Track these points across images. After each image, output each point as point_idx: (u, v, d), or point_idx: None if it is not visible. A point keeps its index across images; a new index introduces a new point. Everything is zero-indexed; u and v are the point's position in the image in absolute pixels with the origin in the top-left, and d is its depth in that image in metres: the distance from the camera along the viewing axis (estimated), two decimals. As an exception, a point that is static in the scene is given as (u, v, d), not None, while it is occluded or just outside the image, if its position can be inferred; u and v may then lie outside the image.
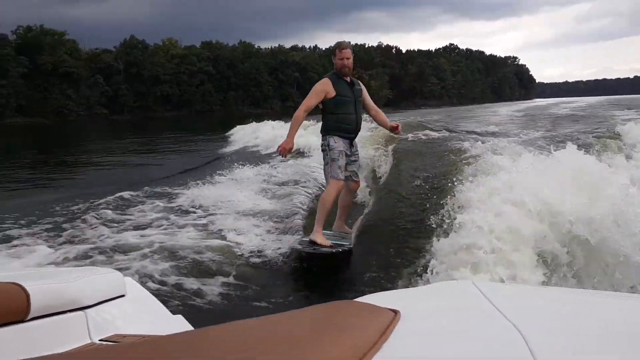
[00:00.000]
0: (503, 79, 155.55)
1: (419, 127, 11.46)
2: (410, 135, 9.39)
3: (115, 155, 18.53)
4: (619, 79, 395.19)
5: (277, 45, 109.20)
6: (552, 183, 3.58)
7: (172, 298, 3.64)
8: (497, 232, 3.28)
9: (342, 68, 4.73)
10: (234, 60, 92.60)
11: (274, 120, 20.75)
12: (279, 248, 4.89)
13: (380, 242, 4.56)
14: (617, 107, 25.87)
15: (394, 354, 0.63)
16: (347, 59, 4.72)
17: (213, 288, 3.94)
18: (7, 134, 40.16)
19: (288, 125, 4.98)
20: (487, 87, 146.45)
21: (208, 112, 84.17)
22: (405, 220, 4.78)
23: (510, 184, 3.73)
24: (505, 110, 33.23)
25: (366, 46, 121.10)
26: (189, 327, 1.65)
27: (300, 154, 11.11)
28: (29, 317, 1.28)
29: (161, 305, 1.77)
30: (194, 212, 6.63)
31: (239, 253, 4.81)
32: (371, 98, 5.12)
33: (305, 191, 7.81)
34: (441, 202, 4.18)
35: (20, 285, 1.28)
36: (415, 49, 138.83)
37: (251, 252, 4.84)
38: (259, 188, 8.21)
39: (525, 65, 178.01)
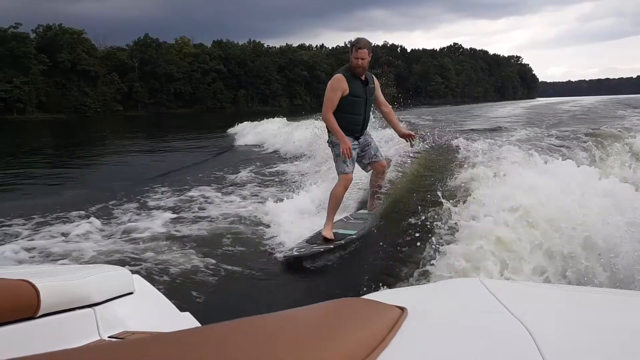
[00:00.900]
0: (506, 78, 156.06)
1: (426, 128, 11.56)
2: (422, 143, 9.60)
3: (123, 154, 17.83)
4: (622, 78, 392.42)
5: (285, 44, 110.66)
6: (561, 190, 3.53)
7: (180, 295, 3.55)
8: (504, 239, 3.23)
9: (357, 68, 4.58)
10: (244, 59, 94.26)
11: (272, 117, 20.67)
12: (287, 245, 4.78)
13: (386, 239, 4.42)
14: (620, 107, 25.74)
15: (401, 350, 0.63)
16: (363, 59, 4.55)
17: (220, 285, 3.89)
18: (29, 129, 41.13)
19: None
20: (490, 86, 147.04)
21: (219, 109, 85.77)
22: (413, 217, 4.59)
23: (521, 190, 3.62)
24: (509, 109, 32.60)
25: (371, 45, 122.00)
26: (197, 324, 1.67)
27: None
28: (39, 313, 1.28)
29: (169, 302, 1.77)
30: (203, 208, 6.66)
31: (248, 251, 4.76)
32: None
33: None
34: (447, 203, 4.12)
35: (30, 282, 1.27)
36: (420, 48, 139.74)
37: (261, 250, 4.79)
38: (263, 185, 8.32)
39: (528, 64, 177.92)
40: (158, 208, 6.75)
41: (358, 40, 4.65)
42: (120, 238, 5.24)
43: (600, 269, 3.01)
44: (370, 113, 4.97)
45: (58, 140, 28.50)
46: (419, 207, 4.51)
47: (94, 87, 74.41)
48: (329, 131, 4.76)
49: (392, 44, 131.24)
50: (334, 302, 0.87)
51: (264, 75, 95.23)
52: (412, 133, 4.96)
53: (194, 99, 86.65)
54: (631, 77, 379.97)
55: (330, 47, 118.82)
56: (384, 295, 0.96)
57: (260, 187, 8.33)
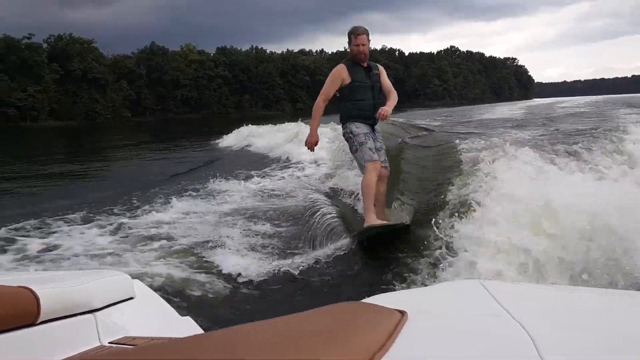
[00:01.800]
0: (502, 80, 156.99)
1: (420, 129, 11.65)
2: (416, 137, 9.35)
3: (129, 159, 18.12)
4: (617, 78, 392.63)
5: (286, 50, 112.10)
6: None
7: (180, 300, 3.56)
8: (504, 247, 3.18)
9: (358, 54, 4.51)
10: (248, 65, 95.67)
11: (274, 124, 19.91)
12: (289, 250, 4.73)
13: (387, 242, 4.36)
14: (615, 106, 24.62)
15: (401, 354, 0.63)
16: (363, 45, 4.48)
17: (220, 289, 3.86)
18: (42, 136, 41.96)
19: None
20: (487, 88, 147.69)
21: (224, 114, 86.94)
22: (413, 219, 4.56)
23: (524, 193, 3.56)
24: (506, 110, 31.14)
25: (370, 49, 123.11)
26: (198, 329, 1.66)
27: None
28: (39, 320, 1.25)
29: (170, 307, 1.76)
30: (205, 211, 6.62)
31: (249, 256, 4.63)
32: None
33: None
34: (448, 204, 4.09)
35: (30, 289, 1.25)
36: (418, 52, 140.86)
37: (261, 255, 4.65)
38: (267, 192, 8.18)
39: (524, 66, 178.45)
40: (160, 211, 6.68)
41: (356, 27, 4.59)
42: (120, 243, 5.18)
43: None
44: (380, 102, 4.67)
45: (72, 146, 29.09)
46: (424, 209, 4.40)
47: (104, 94, 75.85)
48: (343, 123, 4.68)
49: (391, 48, 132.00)
50: (333, 306, 0.86)
51: (267, 81, 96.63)
52: (383, 114, 4.36)
53: (200, 104, 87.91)
54: (626, 77, 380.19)
55: (330, 52, 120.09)
56: (384, 299, 0.96)
57: (268, 189, 8.23)
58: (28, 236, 5.62)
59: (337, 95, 4.67)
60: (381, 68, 4.82)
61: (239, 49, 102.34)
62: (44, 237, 5.56)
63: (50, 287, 1.34)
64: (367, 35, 4.56)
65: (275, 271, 4.19)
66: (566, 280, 3.03)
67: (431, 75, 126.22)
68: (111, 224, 6.07)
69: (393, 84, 4.82)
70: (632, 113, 15.93)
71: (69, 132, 48.42)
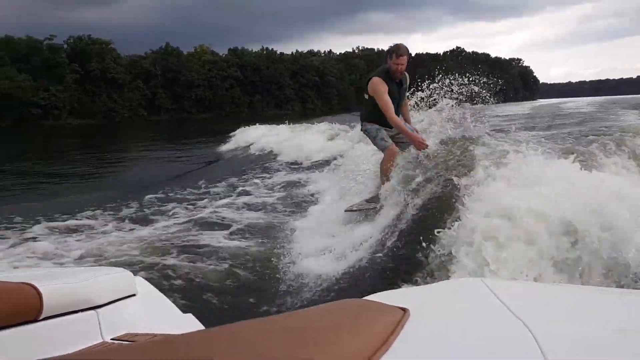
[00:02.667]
0: (508, 81, 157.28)
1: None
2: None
3: (144, 158, 18.42)
4: (622, 78, 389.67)
5: (295, 51, 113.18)
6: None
7: (182, 296, 3.52)
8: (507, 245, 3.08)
9: (395, 72, 4.80)
10: (259, 66, 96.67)
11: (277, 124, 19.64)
12: (284, 249, 4.76)
13: (389, 239, 4.36)
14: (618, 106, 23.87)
15: (403, 352, 0.62)
16: (402, 65, 4.76)
17: (222, 287, 3.82)
18: (64, 134, 42.59)
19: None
20: (492, 89, 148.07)
21: (237, 113, 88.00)
22: (417, 216, 4.47)
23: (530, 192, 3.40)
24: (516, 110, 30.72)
25: (375, 50, 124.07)
26: (200, 326, 1.65)
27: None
28: (42, 316, 1.25)
29: (171, 303, 1.75)
30: (211, 210, 6.63)
31: (251, 253, 4.67)
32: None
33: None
34: (454, 203, 3.97)
35: (33, 285, 1.25)
36: (424, 52, 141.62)
37: (264, 253, 4.68)
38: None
39: (529, 67, 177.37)
40: (165, 210, 6.74)
41: (398, 47, 4.80)
42: (123, 239, 5.18)
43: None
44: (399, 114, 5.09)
45: (92, 144, 29.46)
46: (428, 206, 4.32)
47: (121, 93, 77.17)
48: (362, 121, 5.13)
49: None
50: (335, 303, 0.86)
51: (277, 81, 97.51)
52: (423, 143, 4.75)
53: (213, 104, 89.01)
54: (631, 77, 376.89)
55: (337, 53, 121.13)
56: (386, 296, 0.95)
57: (274, 189, 8.27)
58: (35, 237, 5.44)
59: (366, 97, 4.98)
60: (408, 77, 5.15)
61: (250, 49, 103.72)
62: (50, 234, 5.51)
63: (53, 283, 1.33)
64: (409, 56, 4.87)
65: (277, 268, 4.21)
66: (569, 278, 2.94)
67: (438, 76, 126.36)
68: (115, 221, 6.09)
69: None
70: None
71: (90, 130, 49.46)
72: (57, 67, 68.00)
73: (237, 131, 20.29)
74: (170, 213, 6.62)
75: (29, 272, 2.04)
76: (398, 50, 4.77)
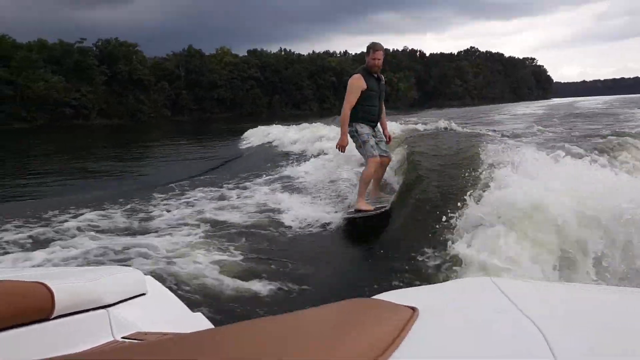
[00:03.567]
0: (521, 80, 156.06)
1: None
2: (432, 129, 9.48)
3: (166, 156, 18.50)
4: (638, 77, 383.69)
5: (312, 51, 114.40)
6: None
7: (191, 295, 3.52)
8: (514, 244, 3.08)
9: (374, 67, 5.14)
10: (278, 67, 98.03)
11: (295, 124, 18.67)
12: (288, 245, 4.78)
13: (397, 238, 4.39)
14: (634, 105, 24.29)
15: (412, 351, 0.61)
16: (379, 59, 5.12)
17: (231, 286, 3.79)
18: (94, 132, 43.85)
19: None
20: (506, 88, 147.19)
21: (257, 113, 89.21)
22: (425, 216, 4.47)
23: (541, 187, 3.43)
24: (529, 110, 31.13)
25: (391, 50, 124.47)
26: (209, 325, 1.65)
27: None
28: (54, 315, 1.26)
29: (181, 302, 1.75)
30: (221, 208, 6.53)
31: (261, 252, 4.61)
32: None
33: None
34: (462, 201, 3.95)
35: (45, 285, 1.25)
36: (438, 52, 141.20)
37: (273, 252, 4.61)
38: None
39: (542, 66, 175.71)
40: (178, 207, 6.70)
41: (374, 44, 5.20)
42: (134, 238, 5.17)
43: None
44: (382, 107, 5.44)
45: (121, 141, 29.80)
46: (437, 206, 4.31)
47: (148, 95, 78.98)
48: (350, 122, 5.17)
49: (412, 49, 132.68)
50: (344, 302, 0.84)
51: (296, 82, 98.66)
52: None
53: (234, 104, 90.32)
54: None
55: (353, 53, 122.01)
56: (395, 296, 0.93)
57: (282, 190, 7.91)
58: (48, 241, 5.31)
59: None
60: (383, 78, 5.48)
61: (268, 51, 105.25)
62: (61, 233, 5.47)
63: (65, 282, 1.34)
64: (383, 51, 5.28)
65: (284, 267, 4.19)
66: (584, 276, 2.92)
67: (452, 76, 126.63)
68: (125, 220, 6.07)
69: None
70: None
71: (116, 129, 50.39)
72: (88, 69, 70.11)
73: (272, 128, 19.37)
74: (186, 209, 6.58)
75: (41, 271, 2.06)
76: (374, 46, 5.19)
